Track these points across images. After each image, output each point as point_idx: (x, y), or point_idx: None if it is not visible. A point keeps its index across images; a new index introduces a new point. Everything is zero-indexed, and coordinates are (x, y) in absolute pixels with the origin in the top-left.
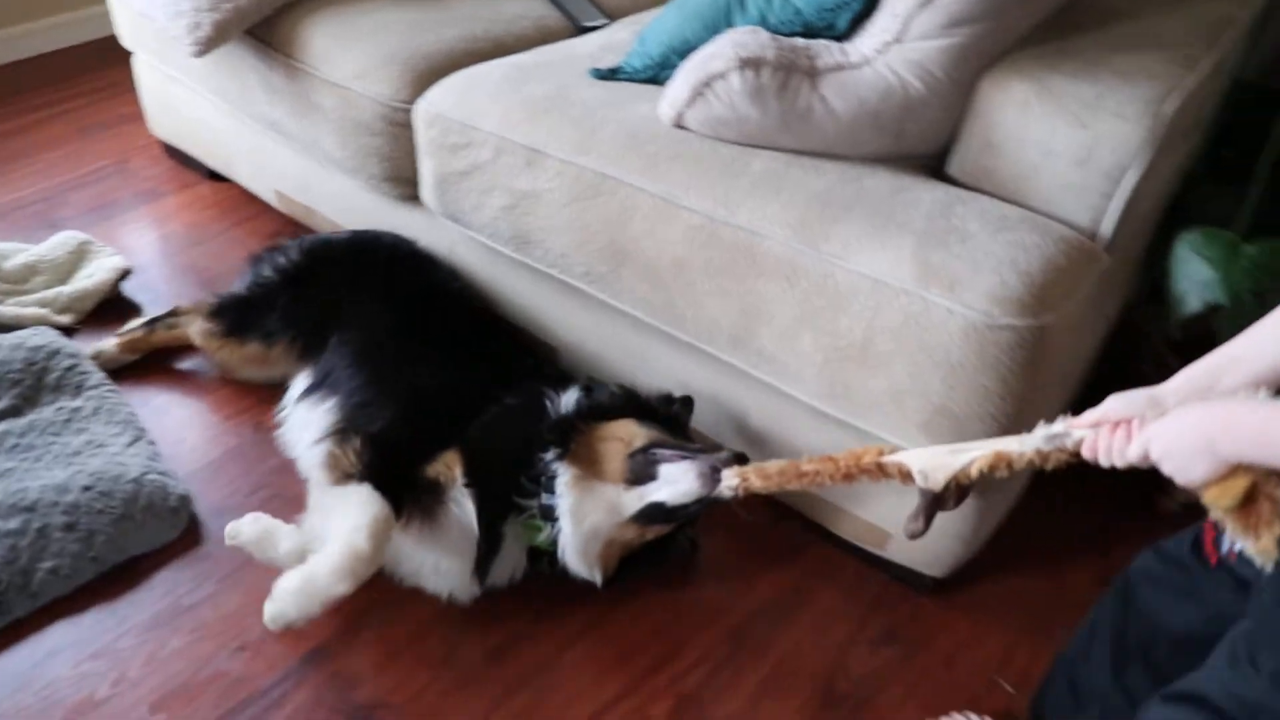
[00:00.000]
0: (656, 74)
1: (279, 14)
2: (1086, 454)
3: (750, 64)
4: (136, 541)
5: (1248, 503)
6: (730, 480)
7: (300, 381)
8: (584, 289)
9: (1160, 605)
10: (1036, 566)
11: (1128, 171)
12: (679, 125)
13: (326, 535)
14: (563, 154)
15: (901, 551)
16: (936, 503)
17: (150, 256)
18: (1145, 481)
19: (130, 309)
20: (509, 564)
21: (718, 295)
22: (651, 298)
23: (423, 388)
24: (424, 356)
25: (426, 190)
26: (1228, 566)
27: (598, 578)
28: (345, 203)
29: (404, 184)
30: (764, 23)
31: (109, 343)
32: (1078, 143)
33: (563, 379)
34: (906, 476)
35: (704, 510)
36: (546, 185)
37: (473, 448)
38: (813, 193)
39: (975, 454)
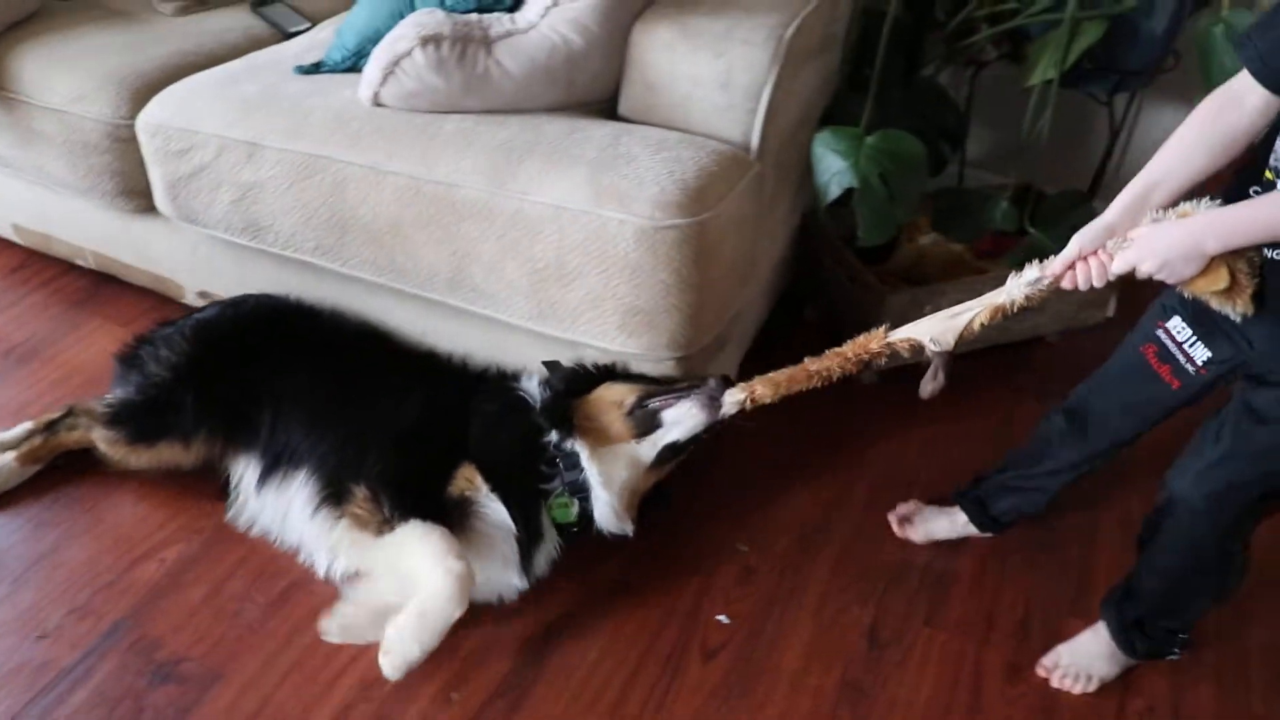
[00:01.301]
0: (355, 63)
1: None
2: (1068, 286)
3: (431, 40)
4: None
5: (1223, 290)
6: (736, 397)
7: (247, 469)
8: (318, 263)
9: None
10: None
11: (763, 89)
12: (377, 103)
13: (411, 577)
14: (278, 143)
15: None
16: (949, 360)
17: None
18: (824, 345)
19: None
20: (549, 548)
21: (431, 245)
22: (376, 259)
23: (394, 422)
24: (373, 396)
25: (159, 197)
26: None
27: (630, 529)
28: (83, 224)
29: (138, 196)
30: (442, 4)
31: (3, 458)
32: (718, 70)
33: (502, 374)
34: (917, 348)
35: (714, 434)
36: (268, 174)
37: (483, 455)
38: (498, 143)
39: (974, 312)
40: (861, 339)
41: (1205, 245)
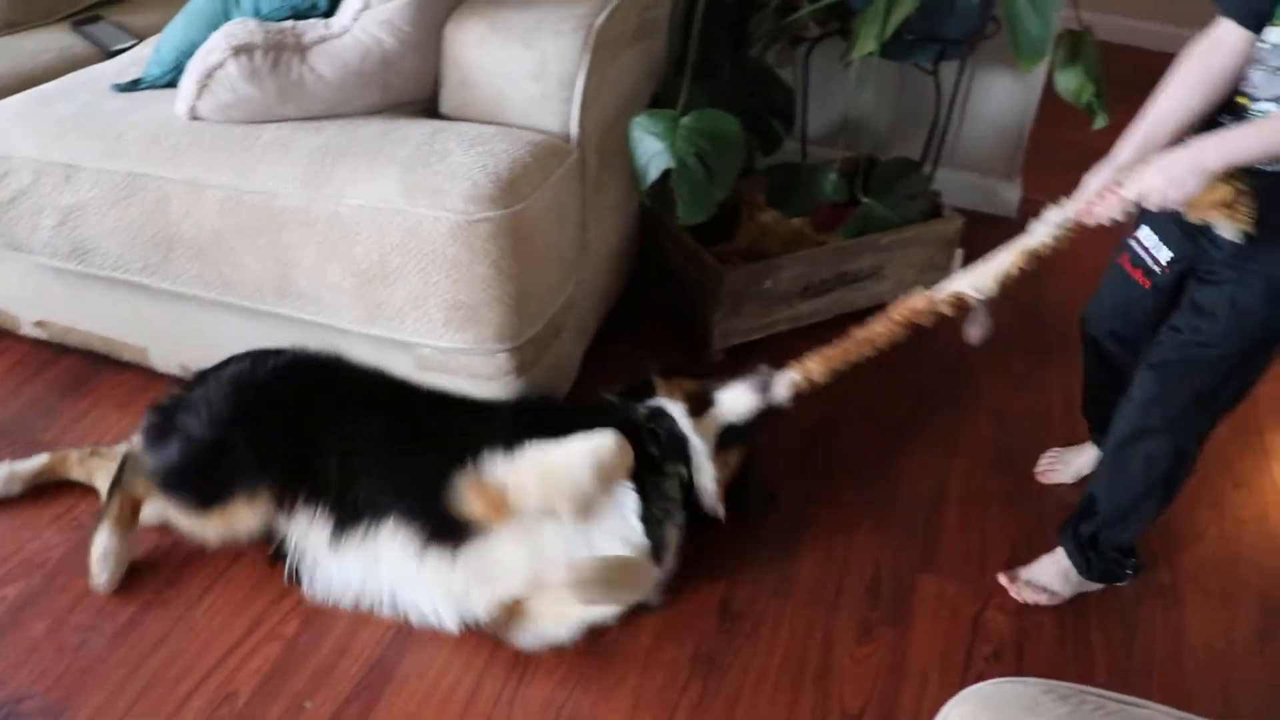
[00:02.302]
0: (174, 77)
1: None
2: (1089, 221)
3: (243, 50)
4: None
5: (1227, 204)
6: (790, 377)
7: (311, 528)
8: (148, 283)
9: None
10: None
11: (576, 77)
12: (195, 117)
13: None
14: (96, 163)
15: None
16: (989, 305)
17: None
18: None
19: None
20: (675, 533)
21: (255, 255)
22: (204, 273)
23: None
24: (449, 437)
25: None
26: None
27: (722, 513)
28: None
29: None
30: (257, 13)
31: (102, 537)
32: (530, 62)
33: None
34: (960, 303)
35: (771, 420)
36: (88, 195)
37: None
38: (314, 148)
39: (1009, 258)
40: (902, 302)
41: (1208, 162)
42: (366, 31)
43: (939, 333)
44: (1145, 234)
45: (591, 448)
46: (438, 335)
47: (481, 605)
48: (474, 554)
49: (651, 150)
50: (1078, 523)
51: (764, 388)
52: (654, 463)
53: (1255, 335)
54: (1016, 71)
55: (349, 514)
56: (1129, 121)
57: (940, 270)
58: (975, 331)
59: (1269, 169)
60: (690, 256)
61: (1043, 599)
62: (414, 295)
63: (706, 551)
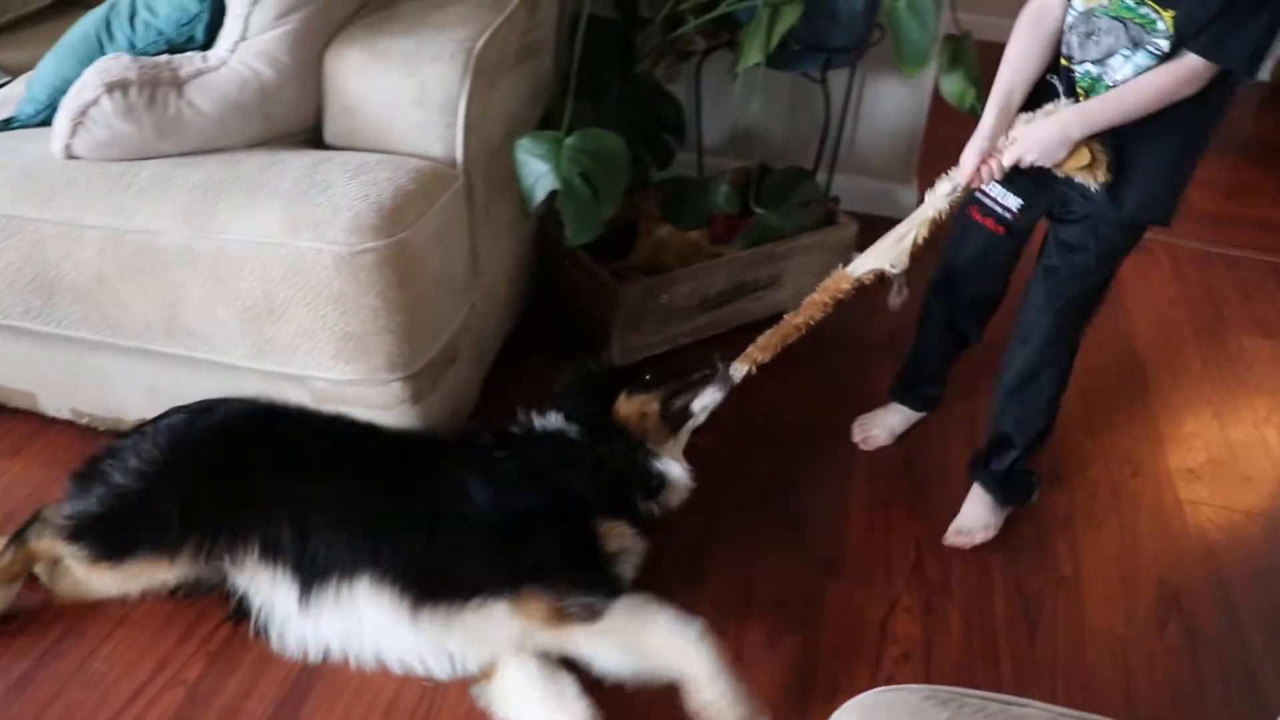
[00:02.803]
0: (48, 115)
1: None
2: (975, 184)
3: (117, 86)
4: None
5: (1087, 165)
6: (740, 369)
7: (275, 589)
8: (31, 328)
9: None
10: None
11: (458, 103)
12: (70, 156)
13: (653, 652)
14: None
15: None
16: (906, 276)
17: None
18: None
19: None
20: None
21: (140, 295)
22: (88, 316)
23: (480, 510)
24: (421, 489)
25: None
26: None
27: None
28: None
29: None
30: (132, 49)
31: None
32: (411, 88)
33: (512, 430)
34: (879, 277)
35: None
36: None
37: (611, 508)
38: (194, 184)
39: (914, 230)
40: (830, 281)
41: (1071, 133)
42: (244, 63)
43: (829, 346)
44: (990, 187)
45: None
46: (328, 368)
47: (476, 661)
48: (473, 619)
49: (537, 172)
50: (990, 460)
51: (727, 383)
52: (639, 517)
53: (1120, 253)
54: (900, 74)
55: (314, 574)
56: None
57: None
58: (896, 300)
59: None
60: (586, 275)
61: (988, 534)
62: (302, 329)
63: None
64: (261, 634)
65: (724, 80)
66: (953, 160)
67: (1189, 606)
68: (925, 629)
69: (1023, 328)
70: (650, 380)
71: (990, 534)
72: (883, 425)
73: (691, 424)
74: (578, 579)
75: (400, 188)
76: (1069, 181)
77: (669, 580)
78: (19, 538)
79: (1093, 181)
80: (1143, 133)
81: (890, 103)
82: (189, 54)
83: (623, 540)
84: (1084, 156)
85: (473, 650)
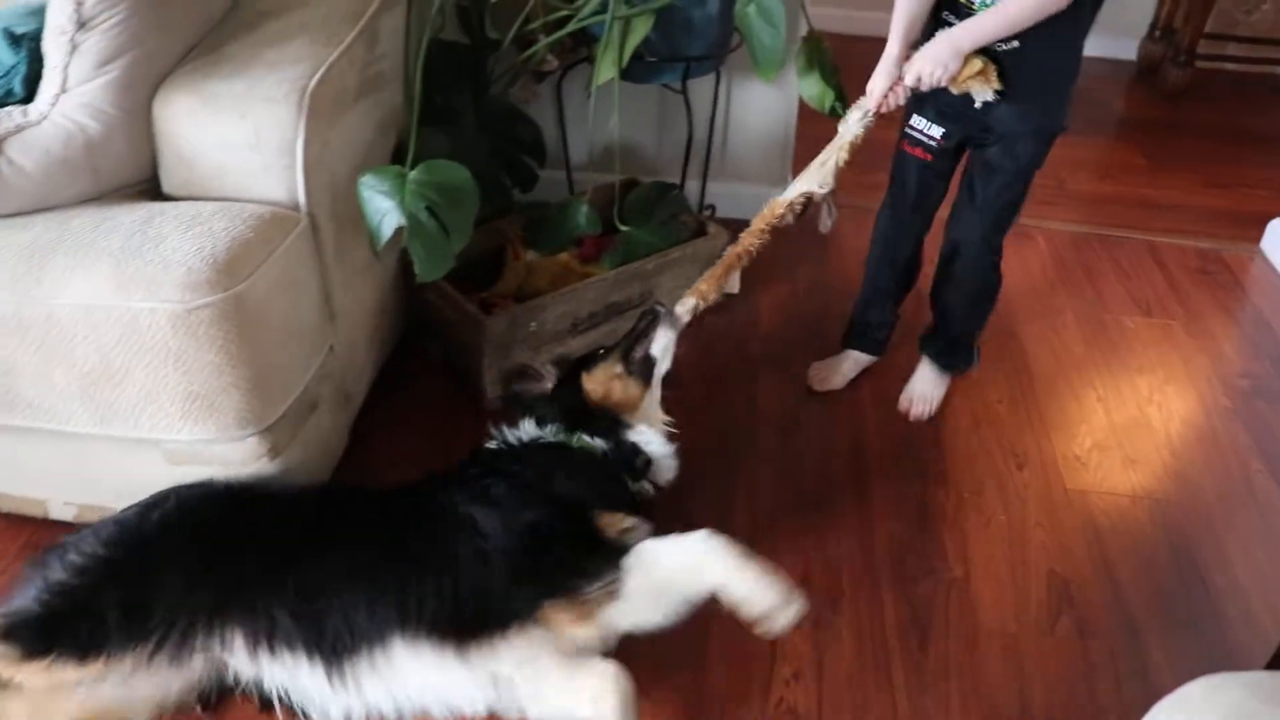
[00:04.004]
0: None
1: None
2: (885, 109)
3: None
4: None
5: (979, 72)
6: (688, 304)
7: (295, 676)
8: None
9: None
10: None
11: (295, 144)
12: None
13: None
14: None
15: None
16: (831, 197)
17: None
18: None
19: None
20: None
21: None
22: None
23: (494, 534)
24: (420, 536)
25: None
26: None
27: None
28: None
29: None
30: None
31: None
32: (245, 132)
33: (492, 449)
34: (809, 201)
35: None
36: None
37: (598, 499)
38: (21, 247)
39: (835, 154)
40: (765, 210)
41: (961, 45)
42: (66, 116)
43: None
44: (915, 120)
45: (722, 572)
46: (177, 429)
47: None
48: (517, 640)
49: (382, 209)
50: (937, 337)
51: (674, 321)
52: (634, 501)
53: (1033, 166)
54: (775, 80)
55: (338, 652)
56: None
57: None
58: (827, 221)
59: (1004, 48)
60: (452, 306)
61: (928, 406)
62: (145, 391)
63: None
64: (300, 714)
65: (588, 104)
66: None
67: (1079, 597)
68: (816, 645)
69: (951, 234)
70: (603, 353)
71: (929, 407)
72: (837, 371)
73: (659, 371)
74: (590, 571)
75: (237, 237)
76: (983, 110)
77: None
78: None
79: (988, 90)
80: (1034, 50)
81: (759, 107)
82: (7, 109)
83: (622, 526)
84: (975, 65)
85: (527, 669)
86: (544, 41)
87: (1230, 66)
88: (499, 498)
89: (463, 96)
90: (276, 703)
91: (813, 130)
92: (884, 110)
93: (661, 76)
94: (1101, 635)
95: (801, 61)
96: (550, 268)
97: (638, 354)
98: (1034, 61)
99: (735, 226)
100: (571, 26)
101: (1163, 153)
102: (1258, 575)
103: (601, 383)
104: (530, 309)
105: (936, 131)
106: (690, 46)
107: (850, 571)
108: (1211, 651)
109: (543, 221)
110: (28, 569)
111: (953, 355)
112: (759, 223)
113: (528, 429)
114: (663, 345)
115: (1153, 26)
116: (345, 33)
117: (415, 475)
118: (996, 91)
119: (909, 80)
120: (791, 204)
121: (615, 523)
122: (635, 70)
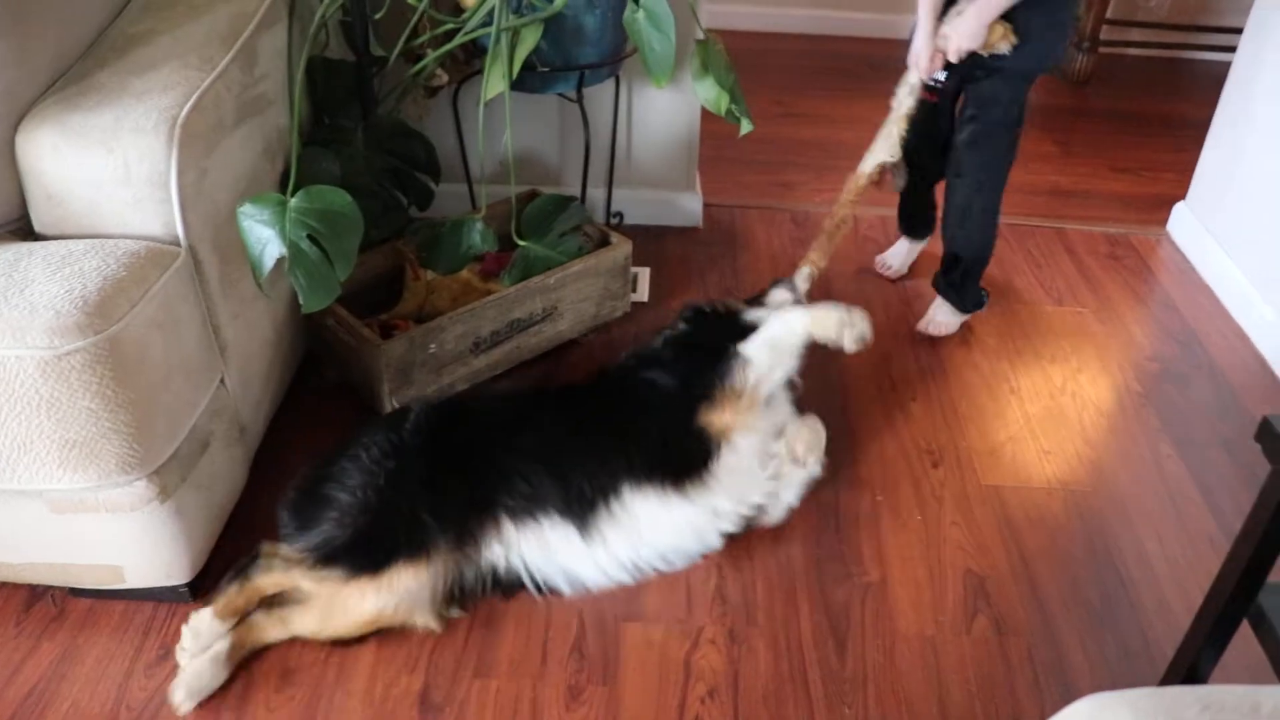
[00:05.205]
0: None
1: None
2: (927, 76)
3: None
4: None
5: (1001, 36)
6: (804, 272)
7: (551, 536)
8: None
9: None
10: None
11: (169, 175)
12: None
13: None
14: None
15: (140, 576)
16: (897, 164)
17: None
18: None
19: None
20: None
21: None
22: None
23: (674, 381)
24: (635, 391)
25: None
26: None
27: None
28: None
29: None
30: None
31: (206, 624)
32: (114, 166)
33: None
34: (883, 170)
35: None
36: None
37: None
38: None
39: (895, 127)
40: (850, 183)
41: (985, 18)
42: None
43: None
44: (937, 74)
45: (802, 319)
46: (57, 478)
47: (736, 511)
48: (725, 464)
49: (263, 238)
50: (947, 274)
51: (795, 289)
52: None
53: (1022, 98)
54: (676, 84)
55: (585, 506)
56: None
57: (618, 298)
58: (899, 181)
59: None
60: (348, 331)
61: (949, 328)
62: (18, 441)
63: (401, 643)
64: (545, 590)
65: (484, 113)
66: (736, 163)
67: (996, 594)
68: (730, 660)
69: (954, 165)
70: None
71: (950, 329)
72: (898, 259)
73: None
74: (720, 370)
75: (109, 277)
76: (974, 54)
77: (461, 641)
78: (243, 575)
79: (1007, 47)
80: (1030, 5)
81: (661, 112)
82: None
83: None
84: (997, 32)
85: (736, 493)
86: (432, 56)
87: (1133, 51)
88: (667, 360)
89: (351, 115)
90: (529, 582)
91: (719, 128)
92: (930, 75)
93: (556, 86)
94: (1019, 633)
95: (696, 65)
96: (451, 286)
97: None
98: (1036, 18)
99: (644, 232)
100: (458, 40)
101: (1072, 139)
102: (1170, 562)
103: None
104: (428, 331)
105: (940, 75)
106: (583, 55)
107: (765, 582)
108: (1127, 644)
109: (437, 241)
110: (299, 501)
111: (965, 292)
112: (847, 195)
113: (680, 328)
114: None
115: None
116: (220, 56)
117: None
118: (1012, 45)
119: (952, 55)
120: (871, 175)
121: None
122: (528, 81)
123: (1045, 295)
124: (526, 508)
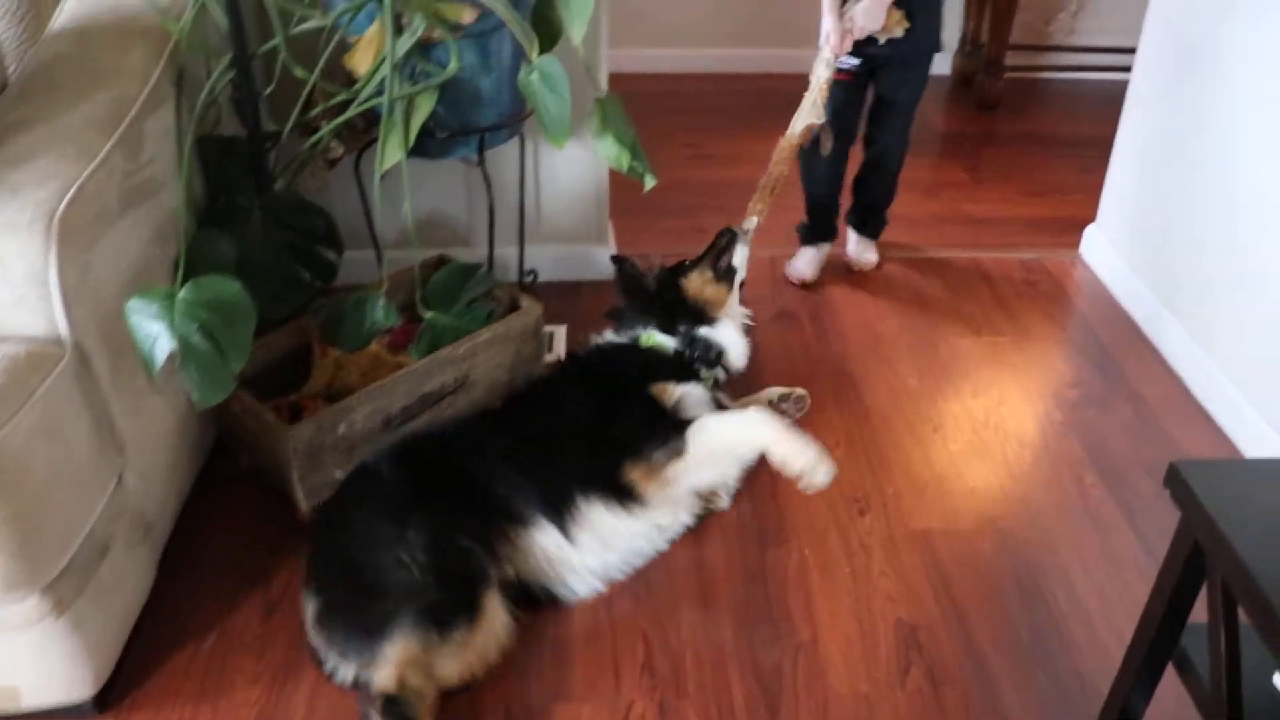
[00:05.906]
0: None
1: None
2: (841, 52)
3: None
4: None
5: (897, 21)
6: (751, 222)
7: (544, 540)
8: None
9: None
10: (203, 628)
11: (48, 273)
12: None
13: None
14: None
15: (38, 695)
16: (826, 124)
17: None
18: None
19: None
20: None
21: None
22: None
23: (599, 420)
24: (565, 422)
25: None
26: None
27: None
28: None
29: None
30: None
31: None
32: None
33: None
34: (810, 129)
35: None
36: None
37: (656, 376)
38: None
39: (817, 93)
40: (783, 143)
41: (884, 2)
42: None
43: None
44: (843, 59)
45: (770, 438)
46: None
47: (679, 522)
48: (655, 498)
49: (153, 333)
50: (857, 211)
51: (747, 237)
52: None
53: (924, 75)
54: (581, 138)
55: (559, 508)
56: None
57: (532, 362)
58: (828, 143)
59: None
60: (253, 416)
61: (876, 257)
62: None
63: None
64: (546, 601)
65: (389, 177)
66: (650, 212)
67: (928, 643)
68: (662, 709)
69: (878, 127)
70: (688, 264)
71: (875, 259)
72: (809, 264)
73: (739, 279)
74: (657, 437)
75: None
76: (888, 44)
77: None
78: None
79: (901, 30)
80: None
81: (568, 167)
82: None
83: (672, 395)
84: (894, 16)
85: (672, 513)
86: (327, 129)
87: (1038, 75)
88: (583, 393)
89: (246, 193)
90: (540, 589)
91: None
92: (843, 50)
93: (457, 151)
94: (952, 681)
95: (596, 124)
96: (360, 361)
97: (722, 264)
98: (922, 7)
99: (559, 288)
100: (351, 112)
101: (982, 165)
102: (1099, 594)
103: (697, 285)
104: (337, 412)
105: (853, 60)
106: (483, 117)
107: (693, 652)
108: (1060, 682)
109: (340, 319)
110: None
111: (870, 222)
112: (780, 154)
113: (607, 335)
114: (741, 257)
115: (963, 40)
116: (100, 144)
117: (231, 608)
118: (905, 30)
119: (857, 34)
120: (801, 135)
121: (664, 390)
122: (428, 147)
123: (964, 326)
124: (523, 511)
